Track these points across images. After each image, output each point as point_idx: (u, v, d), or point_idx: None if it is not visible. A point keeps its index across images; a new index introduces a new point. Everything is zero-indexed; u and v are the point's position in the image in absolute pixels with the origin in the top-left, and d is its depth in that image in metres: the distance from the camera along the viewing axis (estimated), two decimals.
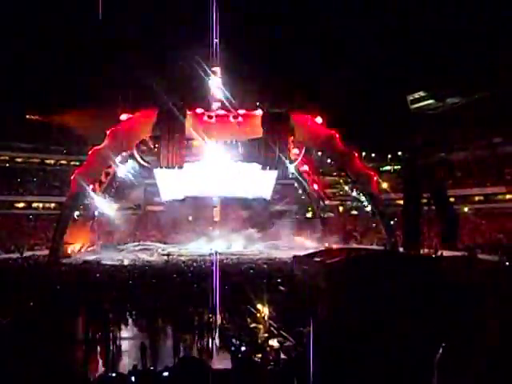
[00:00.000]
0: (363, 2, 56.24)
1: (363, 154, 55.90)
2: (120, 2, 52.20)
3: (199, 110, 43.80)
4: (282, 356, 12.80)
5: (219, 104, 48.05)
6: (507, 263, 31.96)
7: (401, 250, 41.15)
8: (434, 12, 50.22)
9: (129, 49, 51.67)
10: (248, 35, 52.60)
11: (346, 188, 52.11)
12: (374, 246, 48.38)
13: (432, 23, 50.27)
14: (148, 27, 55.56)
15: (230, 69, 50.72)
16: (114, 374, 10.73)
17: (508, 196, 49.27)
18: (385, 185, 50.68)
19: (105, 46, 53.52)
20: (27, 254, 43.52)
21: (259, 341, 14.11)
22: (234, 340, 14.47)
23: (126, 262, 38.74)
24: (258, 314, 16.27)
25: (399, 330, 12.08)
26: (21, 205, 56.29)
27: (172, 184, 48.89)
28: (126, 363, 14.21)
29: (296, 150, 45.95)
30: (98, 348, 15.85)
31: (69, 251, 43.90)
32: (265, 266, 34.14)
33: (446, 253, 35.24)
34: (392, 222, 46.94)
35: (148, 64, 49.25)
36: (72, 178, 41.75)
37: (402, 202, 47.76)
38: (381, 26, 54.42)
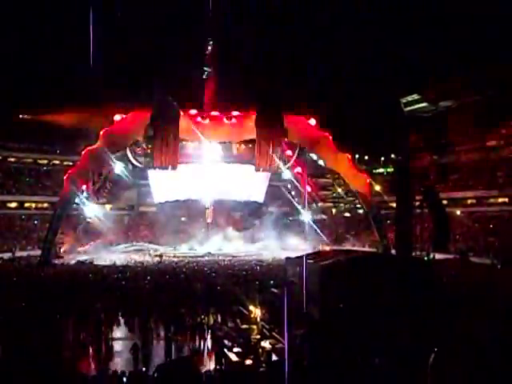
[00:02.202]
0: (355, 5, 56.44)
1: (356, 156, 55.92)
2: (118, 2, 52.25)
3: (193, 111, 43.75)
4: (274, 358, 12.79)
5: (213, 105, 48.02)
6: (499, 266, 32.19)
7: (393, 252, 41.23)
8: (426, 14, 50.48)
9: (125, 49, 51.62)
10: (243, 36, 52.67)
11: (339, 190, 52.21)
12: (367, 248, 48.51)
13: (424, 25, 50.54)
14: (145, 28, 55.51)
15: (224, 70, 50.77)
16: (105, 375, 10.68)
17: (500, 199, 49.40)
18: (377, 187, 50.76)
19: (100, 47, 53.39)
20: (19, 254, 43.34)
21: (251, 342, 14.08)
22: (225, 341, 14.45)
23: (118, 263, 38.60)
24: (251, 316, 16.25)
25: (392, 331, 12.13)
26: (13, 205, 55.94)
27: (165, 185, 48.79)
28: (117, 364, 14.19)
29: (289, 152, 45.97)
30: (90, 349, 15.81)
31: (61, 251, 43.80)
32: (257, 267, 34.12)
33: (438, 255, 35.33)
34: (384, 225, 47.06)
35: (143, 64, 49.24)
36: (65, 178, 41.58)
37: (394, 204, 47.83)
38: (373, 27, 54.60)
